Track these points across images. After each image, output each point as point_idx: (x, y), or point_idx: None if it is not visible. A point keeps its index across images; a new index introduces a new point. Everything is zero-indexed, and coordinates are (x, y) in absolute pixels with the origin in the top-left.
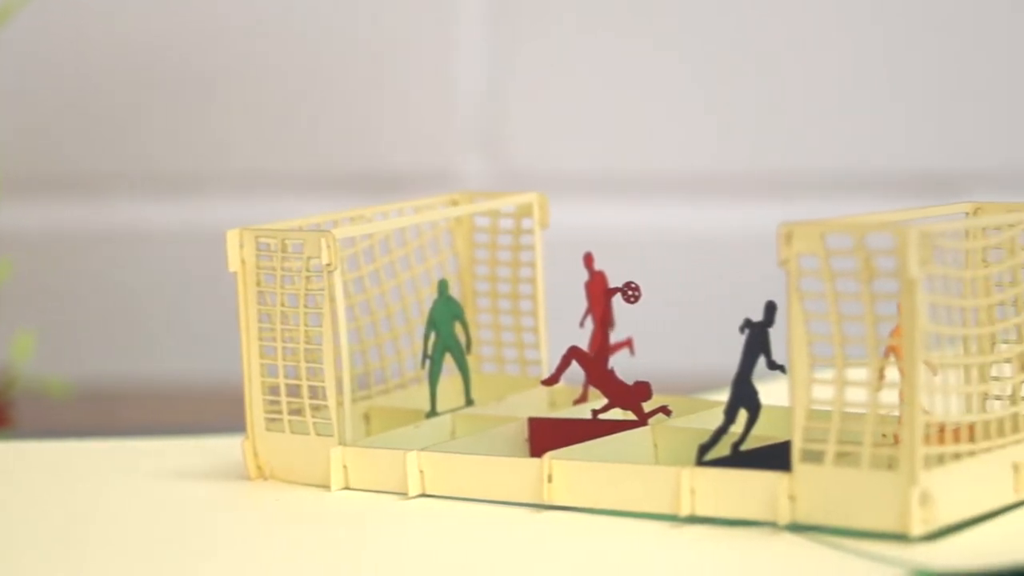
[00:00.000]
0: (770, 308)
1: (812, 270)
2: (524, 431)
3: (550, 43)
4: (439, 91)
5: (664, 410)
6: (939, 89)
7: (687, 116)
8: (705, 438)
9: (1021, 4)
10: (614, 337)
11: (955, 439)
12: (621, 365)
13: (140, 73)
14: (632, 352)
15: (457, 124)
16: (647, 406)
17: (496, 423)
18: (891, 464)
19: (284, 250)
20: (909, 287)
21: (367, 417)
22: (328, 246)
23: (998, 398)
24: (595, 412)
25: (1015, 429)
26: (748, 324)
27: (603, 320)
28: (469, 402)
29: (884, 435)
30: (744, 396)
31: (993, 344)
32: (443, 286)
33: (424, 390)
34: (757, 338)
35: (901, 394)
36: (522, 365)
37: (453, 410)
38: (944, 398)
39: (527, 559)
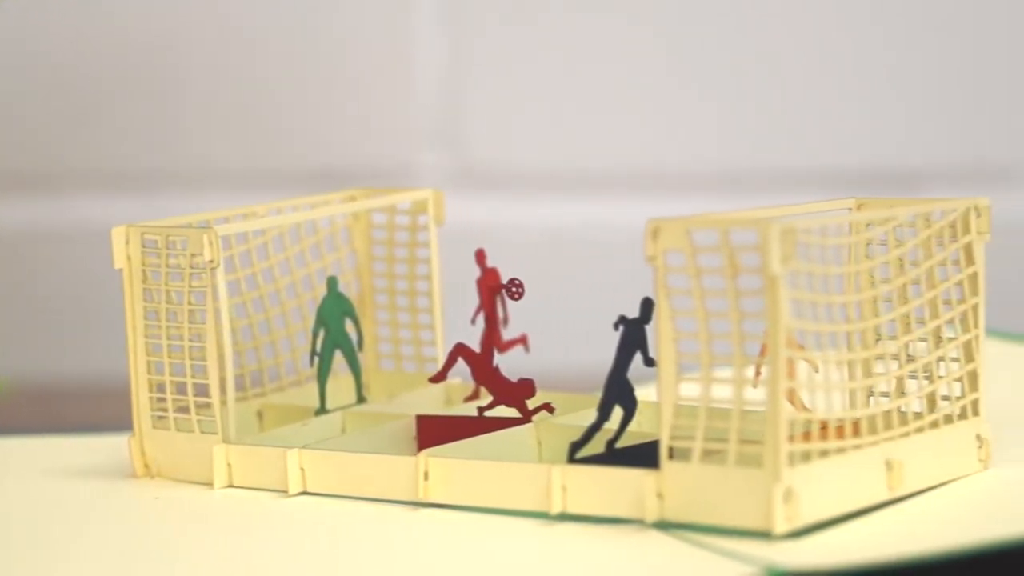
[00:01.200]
0: (646, 305)
1: (680, 266)
2: (412, 429)
3: (508, 37)
4: (396, 86)
5: (547, 407)
6: (896, 86)
7: (649, 111)
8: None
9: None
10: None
11: (831, 436)
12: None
13: (90, 69)
14: (527, 349)
15: (414, 119)
16: (531, 403)
17: (386, 420)
18: (756, 461)
19: (168, 247)
20: (772, 283)
21: (260, 414)
22: (210, 243)
23: (871, 395)
24: (481, 409)
25: (888, 426)
26: (623, 321)
27: (491, 317)
28: (361, 399)
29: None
30: (619, 393)
31: (868, 341)
32: (332, 283)
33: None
34: (632, 335)
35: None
36: (419, 362)
37: (344, 407)
38: (824, 395)
39: (399, 557)
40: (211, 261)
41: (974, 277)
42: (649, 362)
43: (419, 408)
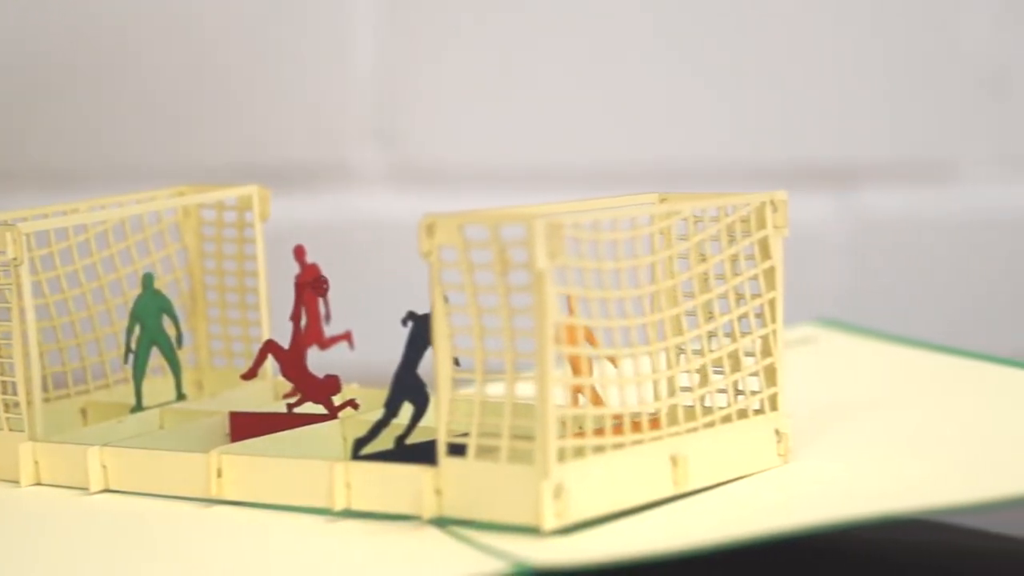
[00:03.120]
0: None
1: (454, 262)
2: (227, 425)
3: (444, 33)
4: (331, 82)
5: (352, 404)
6: (829, 79)
7: (586, 107)
8: (400, 431)
9: None
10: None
11: (609, 431)
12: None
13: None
14: (351, 346)
15: (350, 116)
16: (337, 400)
17: (204, 417)
18: (528, 458)
19: None
20: (539, 278)
21: (84, 412)
22: (14, 240)
23: (660, 390)
24: (290, 406)
25: (674, 421)
26: (411, 317)
27: (311, 313)
28: (180, 396)
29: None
30: (408, 389)
31: (653, 336)
32: (148, 280)
33: (146, 385)
34: (421, 330)
35: (571, 388)
36: (248, 359)
37: (163, 404)
38: (611, 390)
39: (180, 556)
40: (15, 259)
41: (771, 271)
42: None
43: (242, 405)
